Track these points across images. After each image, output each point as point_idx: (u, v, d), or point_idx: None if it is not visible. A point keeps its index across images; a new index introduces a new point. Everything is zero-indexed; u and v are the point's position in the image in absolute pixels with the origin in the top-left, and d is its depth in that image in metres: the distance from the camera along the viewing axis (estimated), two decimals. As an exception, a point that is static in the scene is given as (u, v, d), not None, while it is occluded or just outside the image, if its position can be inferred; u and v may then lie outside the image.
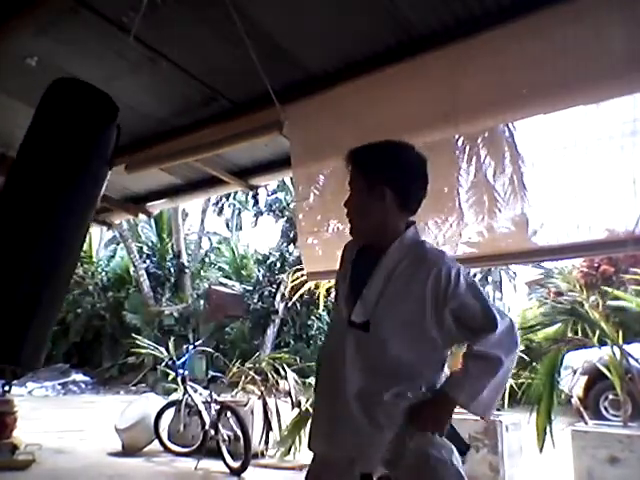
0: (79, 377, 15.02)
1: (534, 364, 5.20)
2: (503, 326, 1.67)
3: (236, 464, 5.31)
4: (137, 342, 8.16)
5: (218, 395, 6.21)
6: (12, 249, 2.31)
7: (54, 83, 2.63)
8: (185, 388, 6.00)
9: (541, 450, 4.06)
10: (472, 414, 1.71)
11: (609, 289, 4.72)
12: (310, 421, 1.92)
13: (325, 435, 1.79)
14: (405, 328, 1.70)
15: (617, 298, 4.63)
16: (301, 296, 8.44)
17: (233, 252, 19.78)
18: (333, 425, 1.75)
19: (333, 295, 2.12)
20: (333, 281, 5.97)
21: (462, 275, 1.70)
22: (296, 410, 5.76)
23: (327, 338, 2.02)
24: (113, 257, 18.56)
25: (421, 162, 1.81)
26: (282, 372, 6.52)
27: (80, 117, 2.54)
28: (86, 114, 2.57)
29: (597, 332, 4.44)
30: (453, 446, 1.70)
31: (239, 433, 5.43)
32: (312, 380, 6.24)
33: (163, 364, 7.69)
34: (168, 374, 7.81)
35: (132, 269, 16.30)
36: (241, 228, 22.19)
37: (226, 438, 5.53)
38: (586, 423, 4.43)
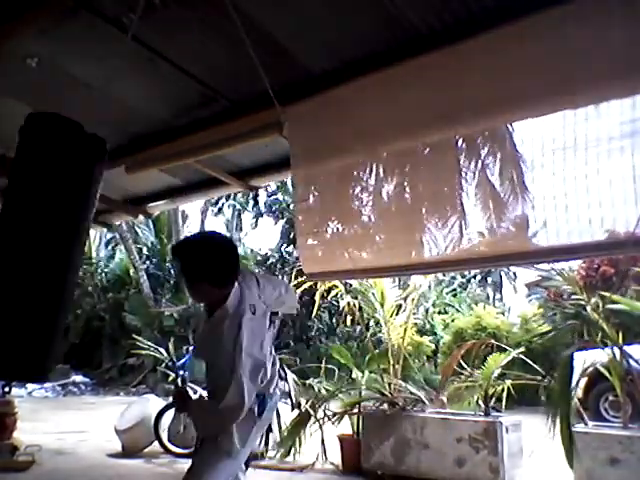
0: (79, 378, 15.02)
1: (534, 365, 5.18)
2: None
3: (236, 465, 5.30)
4: (137, 343, 8.13)
5: (218, 396, 6.18)
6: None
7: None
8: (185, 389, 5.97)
9: (570, 462, 3.94)
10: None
11: (607, 294, 4.70)
12: None
13: None
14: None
15: (614, 302, 4.61)
16: (301, 297, 8.42)
17: (233, 253, 19.69)
18: None
19: None
20: (334, 282, 5.94)
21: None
22: (296, 411, 5.75)
23: None
24: (112, 258, 18.54)
25: (225, 248, 2.32)
26: (282, 373, 6.50)
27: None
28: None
29: (599, 334, 4.43)
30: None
31: (239, 434, 5.41)
32: (312, 381, 6.24)
33: (163, 365, 7.69)
34: (168, 375, 7.80)
35: (132, 270, 16.28)
36: (241, 229, 22.20)
37: (226, 439, 5.51)
38: (586, 424, 4.42)
